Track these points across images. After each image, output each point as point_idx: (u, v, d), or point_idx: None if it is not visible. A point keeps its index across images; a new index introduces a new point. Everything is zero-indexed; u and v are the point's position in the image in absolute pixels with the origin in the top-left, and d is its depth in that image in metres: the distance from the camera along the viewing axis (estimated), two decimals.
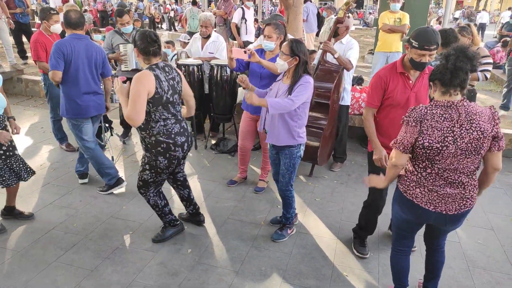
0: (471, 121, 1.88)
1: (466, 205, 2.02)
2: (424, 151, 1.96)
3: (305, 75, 2.76)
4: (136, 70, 4.62)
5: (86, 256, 2.89)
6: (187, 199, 3.18)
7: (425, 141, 1.93)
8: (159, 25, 20.34)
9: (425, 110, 1.94)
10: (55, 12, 4.30)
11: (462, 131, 1.88)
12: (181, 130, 2.76)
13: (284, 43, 2.80)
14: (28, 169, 3.17)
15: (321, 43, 4.31)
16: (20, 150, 4.67)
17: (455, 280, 2.75)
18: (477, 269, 2.86)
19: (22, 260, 2.81)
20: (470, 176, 1.99)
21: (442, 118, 1.90)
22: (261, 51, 3.59)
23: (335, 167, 4.48)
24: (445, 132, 1.89)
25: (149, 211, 3.47)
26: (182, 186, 3.12)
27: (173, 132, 2.69)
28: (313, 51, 4.85)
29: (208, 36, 4.78)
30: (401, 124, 2.03)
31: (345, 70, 3.99)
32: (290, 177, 2.98)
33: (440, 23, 16.34)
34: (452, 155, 1.91)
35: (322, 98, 3.83)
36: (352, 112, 4.96)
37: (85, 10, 13.79)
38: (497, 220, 3.51)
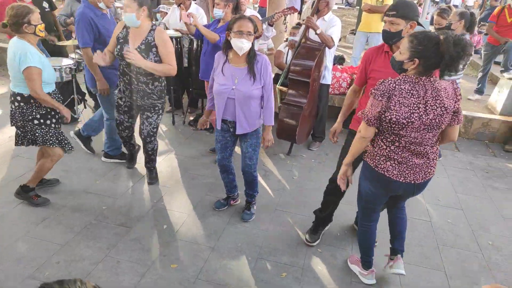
0: (436, 98, 1.92)
1: (430, 173, 2.13)
2: (390, 126, 1.98)
3: (259, 54, 2.61)
4: None
5: (57, 230, 2.81)
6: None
7: (392, 116, 1.94)
8: None
9: (393, 85, 1.94)
10: None
11: (427, 108, 1.92)
12: None
13: None
14: None
15: (303, 20, 4.24)
16: None
17: (425, 257, 2.84)
18: (446, 247, 2.96)
19: None
20: (433, 146, 2.07)
21: (410, 94, 1.92)
22: (217, 21, 3.68)
23: (313, 146, 4.49)
24: (411, 108, 1.92)
25: (123, 186, 3.41)
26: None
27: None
28: (298, 25, 4.73)
29: (179, 5, 4.59)
30: (369, 96, 2.04)
31: (327, 49, 3.95)
32: (257, 157, 2.89)
33: (420, 5, 16.43)
34: (416, 130, 1.96)
35: (303, 76, 3.79)
36: (333, 92, 4.95)
37: None
38: (466, 201, 3.63)
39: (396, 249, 2.52)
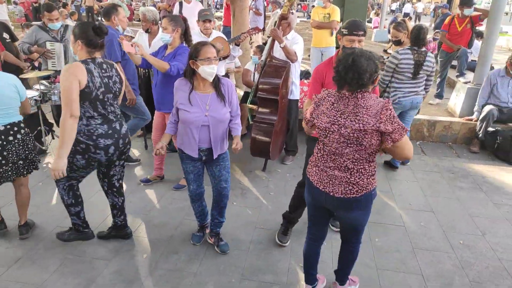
0: (356, 114, 2.00)
1: (352, 191, 2.12)
2: (318, 132, 2.17)
3: (222, 78, 2.66)
4: None
5: (32, 270, 2.72)
6: (120, 208, 2.98)
7: (315, 121, 2.16)
8: (99, 17, 19.31)
9: (325, 96, 2.16)
10: None
11: (346, 122, 2.02)
12: (109, 132, 2.58)
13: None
14: None
15: (268, 37, 4.36)
16: None
17: (402, 262, 2.94)
18: (421, 250, 3.08)
19: None
20: (356, 163, 2.09)
21: (332, 106, 2.09)
22: (164, 47, 3.55)
23: (287, 160, 4.57)
24: (332, 119, 2.07)
25: (98, 217, 3.34)
26: (117, 193, 2.94)
27: (95, 133, 2.53)
28: (264, 44, 4.87)
29: (147, 31, 4.60)
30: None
31: (292, 65, 4.07)
32: (230, 179, 2.87)
33: (377, 15, 17.18)
34: (337, 141, 2.08)
35: (271, 94, 3.87)
36: (302, 106, 5.07)
37: (15, 3, 12.77)
38: (436, 202, 3.79)
39: (338, 279, 2.61)
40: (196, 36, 4.27)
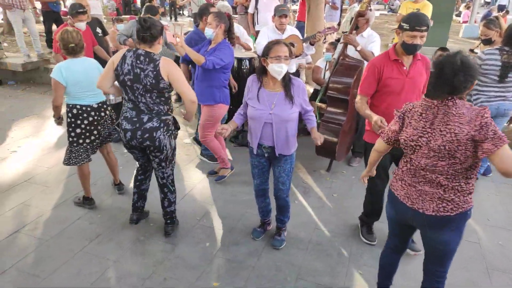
0: (447, 123, 1.80)
1: (446, 209, 1.91)
2: (404, 147, 2.01)
3: (293, 78, 2.66)
4: None
5: (109, 247, 3.02)
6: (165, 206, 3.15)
7: (402, 137, 1.99)
8: (181, 11, 20.32)
9: (410, 107, 1.98)
10: (82, 11, 4.39)
11: (435, 133, 1.84)
12: (134, 119, 2.75)
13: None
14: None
15: (343, 32, 4.25)
16: (45, 142, 4.84)
17: (472, 282, 2.73)
18: (496, 272, 2.82)
19: (49, 249, 2.96)
20: (451, 180, 1.88)
21: (420, 117, 1.91)
22: (209, 42, 3.62)
23: (353, 162, 4.45)
24: (419, 131, 1.90)
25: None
26: (162, 189, 3.10)
27: (123, 114, 2.83)
28: (337, 41, 4.77)
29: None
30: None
31: (365, 64, 3.93)
32: (290, 181, 2.87)
33: (468, 8, 15.71)
34: (426, 156, 1.90)
35: (342, 93, 3.79)
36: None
37: None
38: None
39: None
40: (270, 32, 4.31)
